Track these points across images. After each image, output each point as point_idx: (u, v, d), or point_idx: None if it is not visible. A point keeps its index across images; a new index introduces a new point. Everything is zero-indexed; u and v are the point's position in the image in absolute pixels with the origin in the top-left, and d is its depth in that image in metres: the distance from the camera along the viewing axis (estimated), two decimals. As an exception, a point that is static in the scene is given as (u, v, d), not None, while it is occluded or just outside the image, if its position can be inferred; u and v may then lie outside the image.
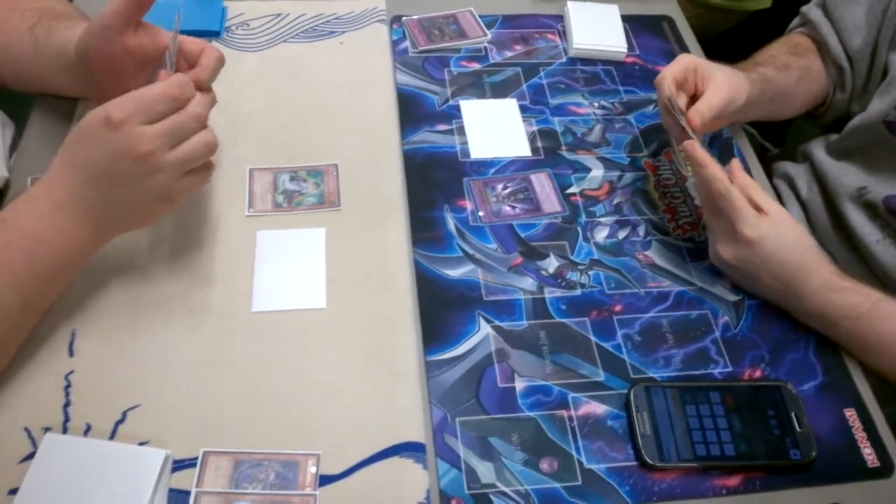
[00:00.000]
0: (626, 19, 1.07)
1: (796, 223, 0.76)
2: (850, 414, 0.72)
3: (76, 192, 0.65)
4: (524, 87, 0.99)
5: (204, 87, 0.70)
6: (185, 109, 0.65)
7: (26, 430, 0.64)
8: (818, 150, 0.97)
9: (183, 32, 0.97)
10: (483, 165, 0.89)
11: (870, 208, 0.87)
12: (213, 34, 0.98)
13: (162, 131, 0.64)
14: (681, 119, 0.80)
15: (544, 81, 1.00)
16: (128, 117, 0.62)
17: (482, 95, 0.97)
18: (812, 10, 0.98)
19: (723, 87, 0.83)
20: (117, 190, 0.65)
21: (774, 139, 1.50)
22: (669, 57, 1.04)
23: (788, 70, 0.93)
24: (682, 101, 0.83)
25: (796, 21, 1.02)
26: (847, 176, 0.90)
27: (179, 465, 0.64)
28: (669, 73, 0.83)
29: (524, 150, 0.91)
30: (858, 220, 0.87)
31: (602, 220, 0.85)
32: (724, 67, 0.86)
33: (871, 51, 0.93)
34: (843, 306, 0.73)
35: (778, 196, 0.94)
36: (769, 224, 0.73)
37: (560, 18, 1.08)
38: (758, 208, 0.74)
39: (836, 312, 0.73)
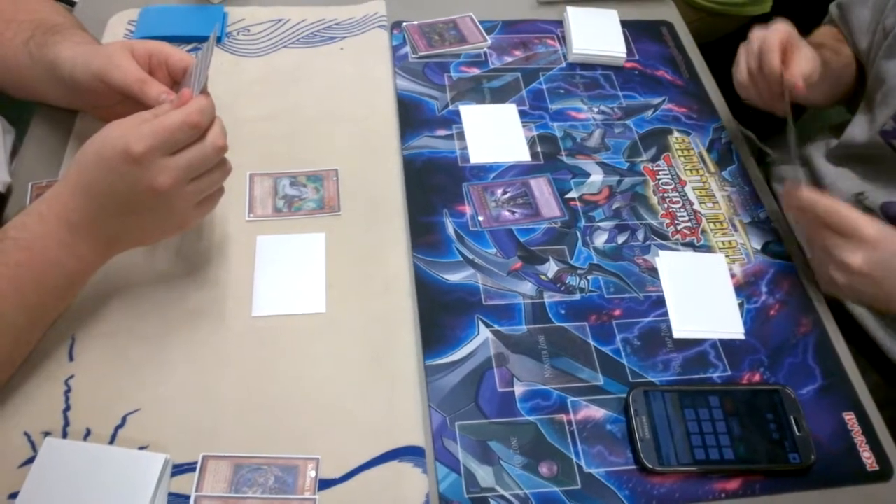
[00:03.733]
0: (626, 24, 1.08)
1: None
2: (850, 418, 0.72)
3: (92, 217, 0.64)
4: (524, 92, 0.99)
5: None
6: (205, 140, 0.64)
7: (26, 434, 0.65)
8: (817, 154, 0.97)
9: (184, 38, 0.98)
10: (483, 170, 0.89)
11: (867, 214, 0.87)
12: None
13: (183, 165, 0.63)
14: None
15: (544, 86, 1.00)
16: (148, 150, 0.61)
17: (482, 100, 0.97)
18: (833, 9, 1.00)
19: (810, 58, 0.84)
20: (134, 217, 0.65)
21: (774, 144, 1.50)
22: (669, 62, 1.05)
23: (839, 56, 0.95)
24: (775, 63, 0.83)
25: (827, 18, 1.04)
26: (845, 181, 0.90)
27: (179, 469, 0.64)
28: (777, 41, 0.83)
29: (524, 156, 0.92)
30: None
31: (601, 224, 0.86)
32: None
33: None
34: None
35: (776, 199, 0.93)
36: (888, 227, 0.73)
37: (560, 24, 1.09)
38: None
39: None
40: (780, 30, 0.84)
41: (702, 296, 0.80)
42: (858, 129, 0.91)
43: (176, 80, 0.75)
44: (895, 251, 0.71)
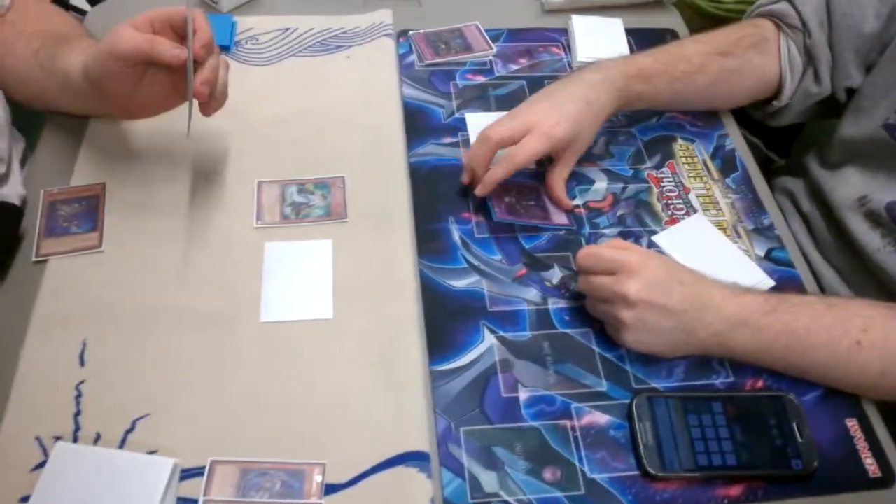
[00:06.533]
0: (630, 33, 1.08)
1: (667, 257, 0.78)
2: (852, 424, 0.73)
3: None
4: (529, 99, 1.00)
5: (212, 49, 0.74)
6: None
7: (38, 439, 0.66)
8: (813, 163, 0.97)
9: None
10: (488, 177, 0.90)
11: (871, 217, 0.86)
12: (222, 48, 1.00)
13: None
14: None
15: (549, 94, 1.00)
16: None
17: (487, 108, 0.98)
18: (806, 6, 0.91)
19: (573, 156, 0.86)
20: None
21: (780, 150, 1.50)
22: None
23: (692, 77, 0.91)
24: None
25: (752, 13, 0.98)
26: (845, 187, 0.90)
27: (187, 473, 0.65)
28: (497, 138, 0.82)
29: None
30: (860, 229, 0.87)
31: (605, 231, 0.86)
32: (576, 127, 0.83)
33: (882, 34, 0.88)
34: (756, 304, 0.72)
35: (780, 210, 0.94)
36: (647, 253, 0.75)
37: (565, 32, 1.09)
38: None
39: (753, 313, 0.71)
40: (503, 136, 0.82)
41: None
42: (851, 126, 0.90)
43: (180, 34, 0.75)
44: (664, 270, 0.72)
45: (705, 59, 0.91)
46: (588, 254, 0.75)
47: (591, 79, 0.86)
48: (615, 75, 0.87)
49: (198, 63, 0.72)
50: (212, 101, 0.74)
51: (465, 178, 0.87)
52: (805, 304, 0.73)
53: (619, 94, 0.87)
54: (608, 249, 0.74)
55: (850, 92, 0.93)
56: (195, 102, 0.74)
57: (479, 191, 0.83)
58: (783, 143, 1.51)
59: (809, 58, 0.93)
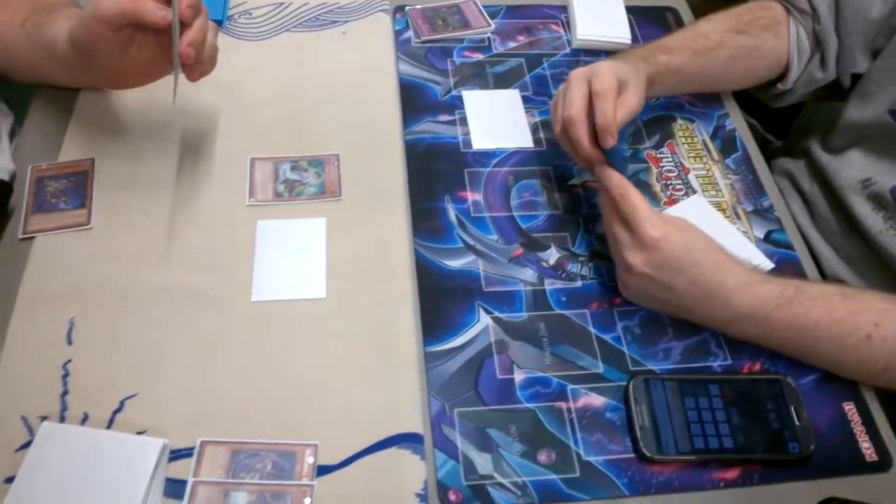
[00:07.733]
0: (630, 10, 1.06)
1: (697, 228, 0.72)
2: (849, 408, 0.72)
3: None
4: (527, 77, 0.98)
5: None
6: None
7: (23, 418, 0.65)
8: (815, 146, 0.96)
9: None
10: (485, 156, 0.89)
11: (875, 199, 0.85)
12: (215, 23, 0.98)
13: None
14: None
15: (547, 72, 0.99)
16: None
17: (485, 86, 0.97)
18: None
19: (631, 102, 0.78)
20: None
21: (777, 131, 1.49)
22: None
23: (713, 52, 0.90)
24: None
25: None
26: (849, 169, 0.89)
27: (177, 454, 0.64)
28: (579, 115, 0.76)
29: (526, 142, 0.91)
30: (863, 211, 0.86)
31: (603, 211, 0.85)
32: (624, 70, 0.79)
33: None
34: (770, 297, 0.70)
35: (779, 190, 0.93)
36: (673, 225, 0.71)
37: (564, 9, 1.08)
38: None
39: (764, 305, 0.70)
40: (578, 104, 0.76)
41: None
42: (856, 111, 0.89)
43: None
44: (678, 254, 0.70)
45: (723, 35, 0.91)
46: (621, 194, 0.71)
47: (614, 58, 0.84)
48: (636, 50, 0.87)
49: (185, 25, 0.70)
50: (198, 64, 0.71)
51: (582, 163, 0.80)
52: (822, 296, 0.71)
53: (646, 61, 0.84)
54: (640, 202, 0.70)
55: (856, 77, 0.92)
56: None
57: (609, 142, 0.74)
58: (781, 124, 1.50)
59: (817, 43, 0.92)
